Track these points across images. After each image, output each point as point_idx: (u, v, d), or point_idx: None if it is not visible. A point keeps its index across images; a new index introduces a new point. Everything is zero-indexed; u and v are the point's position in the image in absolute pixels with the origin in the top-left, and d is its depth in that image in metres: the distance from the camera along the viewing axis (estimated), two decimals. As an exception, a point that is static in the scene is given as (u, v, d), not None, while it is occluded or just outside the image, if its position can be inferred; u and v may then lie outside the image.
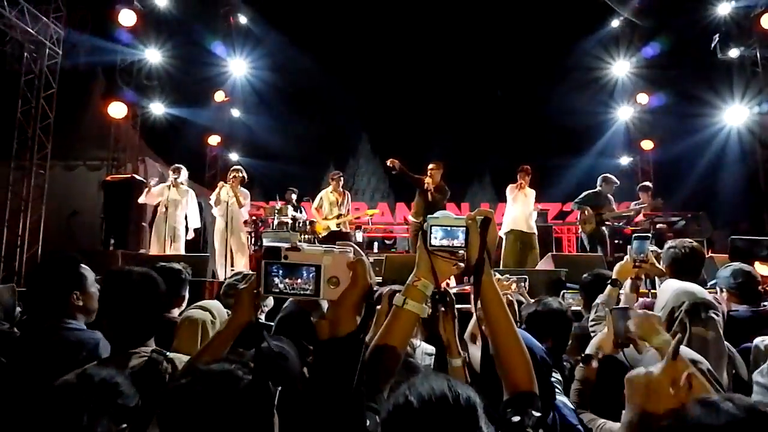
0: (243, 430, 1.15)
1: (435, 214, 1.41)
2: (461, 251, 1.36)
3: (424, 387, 1.03)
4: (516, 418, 1.20)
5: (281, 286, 1.18)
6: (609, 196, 8.07)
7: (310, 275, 1.17)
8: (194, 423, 1.15)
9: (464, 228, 1.35)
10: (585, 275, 3.77)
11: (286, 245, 1.19)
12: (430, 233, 1.36)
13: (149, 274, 2.02)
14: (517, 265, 7.39)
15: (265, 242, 5.57)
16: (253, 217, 9.37)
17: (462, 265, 1.38)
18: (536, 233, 7.86)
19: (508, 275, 3.26)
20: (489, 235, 1.35)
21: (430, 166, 7.91)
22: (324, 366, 1.13)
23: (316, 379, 1.14)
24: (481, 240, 1.34)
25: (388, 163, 7.74)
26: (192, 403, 1.17)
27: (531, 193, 7.89)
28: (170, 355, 1.88)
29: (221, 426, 1.14)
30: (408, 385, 1.06)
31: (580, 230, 8.41)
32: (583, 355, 2.31)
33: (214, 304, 2.70)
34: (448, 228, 1.36)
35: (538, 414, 1.21)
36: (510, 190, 7.87)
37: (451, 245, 1.36)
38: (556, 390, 2.08)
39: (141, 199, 7.87)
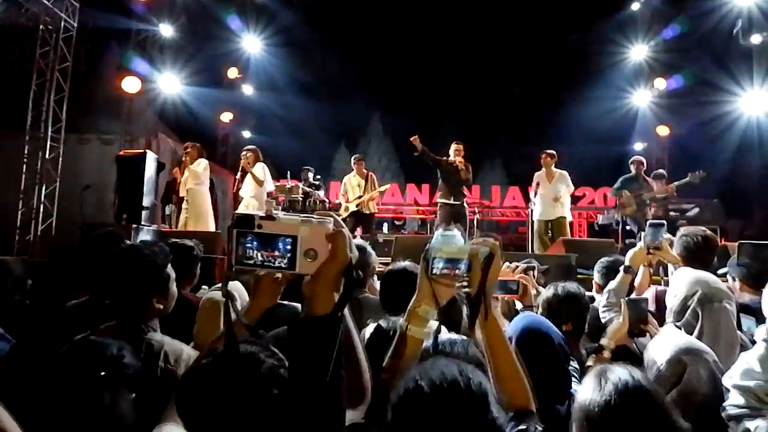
0: (264, 413, 1.11)
1: (436, 242, 1.35)
2: (463, 279, 1.32)
3: (435, 372, 1.01)
4: (522, 427, 1.21)
5: (255, 257, 1.08)
6: (646, 177, 8.03)
7: (286, 247, 1.07)
8: (215, 405, 1.12)
9: (467, 260, 1.30)
10: (603, 259, 3.74)
11: (260, 213, 1.08)
12: (432, 262, 1.32)
13: (142, 251, 1.97)
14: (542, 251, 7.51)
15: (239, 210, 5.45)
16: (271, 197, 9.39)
17: (465, 285, 1.34)
18: (565, 218, 7.93)
19: (507, 263, 3.20)
20: (491, 269, 1.31)
21: (455, 146, 7.99)
22: (299, 348, 1.04)
23: (291, 362, 1.06)
24: (482, 274, 1.30)
25: (411, 140, 7.73)
26: (213, 385, 1.14)
27: (559, 176, 7.96)
28: (150, 335, 1.86)
29: (242, 408, 1.11)
30: (418, 370, 1.03)
31: (599, 215, 8.40)
32: (596, 345, 2.31)
33: (236, 286, 2.70)
34: (450, 259, 1.31)
35: (540, 428, 1.22)
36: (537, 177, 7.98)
37: (452, 273, 1.31)
38: (573, 379, 2.07)
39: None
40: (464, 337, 1.56)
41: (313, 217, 1.09)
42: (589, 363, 2.23)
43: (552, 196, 7.88)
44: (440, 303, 1.34)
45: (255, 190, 7.66)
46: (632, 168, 8.09)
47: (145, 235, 6.67)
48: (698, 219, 8.18)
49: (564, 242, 6.69)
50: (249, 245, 1.08)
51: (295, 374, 1.05)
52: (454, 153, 7.94)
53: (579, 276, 5.01)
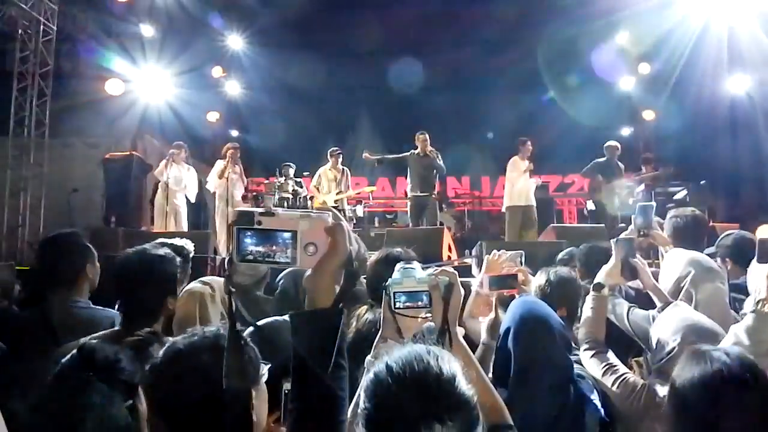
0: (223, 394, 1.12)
1: (396, 278, 1.38)
2: (426, 310, 1.34)
3: (403, 352, 1.01)
4: None
5: (255, 253, 1.09)
6: (619, 163, 8.06)
7: (286, 242, 1.09)
8: (180, 385, 1.17)
9: (427, 292, 1.33)
10: (581, 246, 3.78)
11: (260, 210, 1.11)
12: (393, 297, 1.33)
13: (154, 256, 2.01)
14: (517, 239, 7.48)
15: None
16: (254, 193, 9.35)
17: (429, 317, 1.36)
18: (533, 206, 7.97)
19: (496, 250, 3.18)
20: (453, 299, 1.33)
21: (421, 137, 8.04)
22: (301, 339, 1.06)
23: (293, 355, 1.07)
24: (444, 305, 1.32)
25: (363, 158, 7.87)
26: (176, 367, 1.19)
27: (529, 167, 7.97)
28: (163, 339, 1.86)
29: (204, 387, 1.14)
30: (388, 354, 1.03)
31: (588, 201, 8.44)
32: (594, 282, 2.35)
33: (216, 279, 2.71)
34: (411, 293, 1.33)
35: None
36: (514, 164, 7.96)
37: (415, 306, 1.33)
38: (575, 367, 2.06)
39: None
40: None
41: (311, 212, 1.12)
42: (589, 302, 2.29)
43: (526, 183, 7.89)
44: (405, 336, 1.34)
45: (222, 185, 7.63)
46: (606, 153, 8.10)
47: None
48: (686, 201, 8.22)
49: (554, 229, 6.72)
50: (249, 241, 1.09)
51: (298, 366, 1.06)
52: (422, 144, 7.95)
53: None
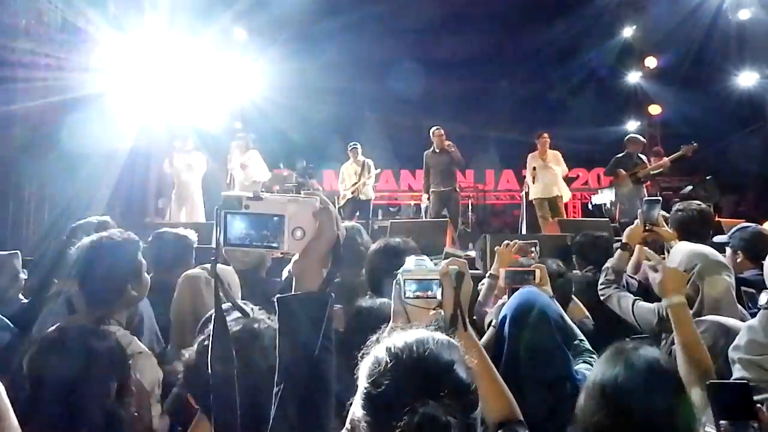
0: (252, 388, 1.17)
1: (408, 266, 1.39)
2: (436, 301, 1.34)
3: (402, 335, 1.02)
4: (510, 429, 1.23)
5: (243, 237, 1.10)
6: (640, 155, 7.99)
7: (274, 226, 1.09)
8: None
9: (438, 281, 1.33)
10: (576, 236, 3.81)
11: (247, 194, 1.10)
12: (404, 286, 1.34)
13: (113, 239, 1.97)
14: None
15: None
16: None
17: (440, 310, 1.36)
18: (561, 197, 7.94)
19: (508, 240, 3.21)
20: (463, 288, 1.33)
21: (436, 131, 8.00)
22: (287, 325, 1.07)
23: (279, 338, 1.08)
24: (454, 294, 1.33)
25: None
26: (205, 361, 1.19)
27: (552, 157, 7.95)
28: (113, 328, 1.85)
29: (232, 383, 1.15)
30: (387, 340, 1.04)
31: (593, 196, 8.39)
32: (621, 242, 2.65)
33: (223, 268, 2.70)
34: (422, 281, 1.34)
35: None
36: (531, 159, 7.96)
37: (425, 296, 1.34)
38: (581, 359, 2.05)
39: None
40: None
41: (299, 197, 1.12)
42: (612, 262, 2.61)
43: (548, 175, 7.87)
44: (416, 326, 1.35)
45: (246, 179, 7.63)
46: (627, 146, 8.05)
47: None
48: (692, 196, 8.17)
49: (559, 222, 6.71)
50: (237, 225, 1.09)
51: (284, 348, 1.06)
52: (437, 140, 7.93)
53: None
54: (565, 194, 8.05)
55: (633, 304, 2.40)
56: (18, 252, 3.37)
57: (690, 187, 8.84)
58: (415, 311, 1.34)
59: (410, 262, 1.41)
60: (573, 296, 2.74)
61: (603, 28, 13.05)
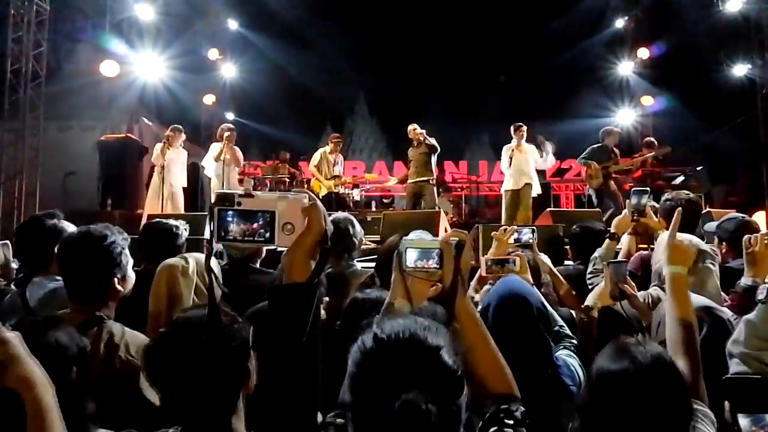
0: (220, 372, 1.20)
1: (409, 236, 1.43)
2: (436, 273, 1.36)
3: (391, 322, 1.02)
4: (503, 406, 1.22)
5: (235, 232, 1.15)
6: (614, 149, 7.99)
7: (265, 222, 1.16)
8: (176, 369, 1.21)
9: (439, 250, 1.35)
10: (573, 227, 3.82)
11: (240, 191, 1.17)
12: (405, 255, 1.36)
13: (94, 235, 1.93)
14: (509, 222, 7.45)
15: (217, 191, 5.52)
16: (251, 177, 9.32)
17: (439, 285, 1.38)
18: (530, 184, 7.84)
19: (506, 226, 3.26)
20: (463, 258, 1.35)
21: (410, 128, 8.01)
22: (276, 313, 1.13)
23: (269, 327, 1.14)
24: (455, 263, 1.34)
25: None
26: (172, 351, 1.24)
27: (528, 149, 7.88)
28: (110, 323, 1.84)
29: (201, 369, 1.19)
30: (375, 326, 1.04)
31: (587, 186, 8.36)
32: (582, 306, 2.34)
33: (195, 255, 2.70)
34: (423, 250, 1.36)
35: (523, 409, 1.23)
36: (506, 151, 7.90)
37: (425, 267, 1.35)
38: (562, 345, 2.07)
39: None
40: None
41: (288, 194, 1.18)
42: (599, 252, 2.51)
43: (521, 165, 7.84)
44: (414, 301, 1.37)
45: (218, 168, 7.57)
46: (602, 138, 8.01)
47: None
48: (683, 186, 8.21)
49: (551, 213, 6.72)
50: (230, 221, 1.15)
51: (274, 336, 1.13)
52: (412, 135, 7.98)
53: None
54: (535, 187, 7.99)
55: None
56: (8, 242, 3.36)
57: (681, 178, 8.87)
58: (415, 282, 1.37)
59: (412, 234, 1.45)
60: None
61: (596, 19, 13.07)
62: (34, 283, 2.29)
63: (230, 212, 1.15)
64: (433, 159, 8.02)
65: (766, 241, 2.18)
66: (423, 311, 1.33)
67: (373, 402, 0.93)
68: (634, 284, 2.46)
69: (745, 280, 2.20)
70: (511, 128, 7.92)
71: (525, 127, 7.89)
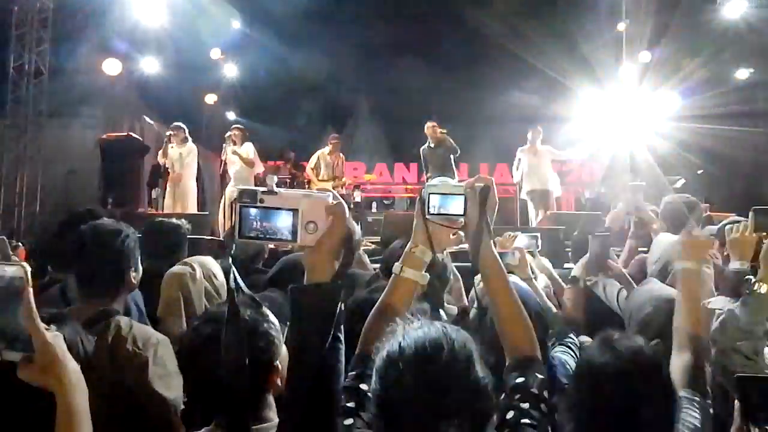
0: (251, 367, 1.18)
1: (433, 182, 1.38)
2: (459, 219, 1.33)
3: (418, 333, 1.01)
4: (520, 379, 1.19)
5: (257, 230, 1.14)
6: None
7: (288, 220, 1.14)
8: (209, 363, 1.20)
9: (462, 196, 1.32)
10: (575, 233, 3.83)
11: (262, 188, 1.15)
12: (428, 201, 1.32)
13: (107, 230, 1.96)
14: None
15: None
16: (273, 173, 9.33)
17: (461, 233, 1.37)
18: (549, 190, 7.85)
19: (510, 232, 3.26)
20: (489, 202, 1.32)
21: (427, 125, 7.90)
22: (300, 314, 1.12)
23: (291, 327, 1.13)
24: (480, 209, 1.31)
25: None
26: (204, 345, 1.25)
27: (544, 149, 7.91)
28: (118, 318, 1.85)
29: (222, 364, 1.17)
30: (402, 331, 1.04)
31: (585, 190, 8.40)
32: (570, 277, 2.42)
33: (198, 259, 2.72)
34: (446, 196, 1.32)
35: (541, 376, 1.22)
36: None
37: (448, 213, 1.33)
38: (558, 349, 2.08)
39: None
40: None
41: (312, 192, 1.17)
42: (567, 294, 2.32)
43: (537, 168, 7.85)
44: (436, 248, 1.34)
45: (242, 170, 7.60)
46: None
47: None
48: (684, 190, 8.22)
49: (553, 216, 6.74)
50: (252, 218, 1.13)
51: (297, 338, 1.11)
52: (430, 133, 7.82)
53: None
54: (555, 189, 8.02)
55: (618, 293, 2.45)
56: (4, 238, 3.36)
57: (682, 181, 8.88)
58: (437, 231, 1.34)
59: (436, 179, 1.41)
60: None
61: (598, 22, 13.05)
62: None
63: (252, 209, 1.13)
64: (452, 160, 7.97)
65: (744, 228, 2.20)
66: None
67: (400, 426, 0.93)
68: (616, 259, 2.50)
69: (732, 265, 2.22)
70: (529, 132, 7.91)
71: (540, 128, 7.91)
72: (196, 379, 1.30)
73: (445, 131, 7.87)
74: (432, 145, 7.90)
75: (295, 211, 1.13)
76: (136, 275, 1.99)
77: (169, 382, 1.71)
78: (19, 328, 1.08)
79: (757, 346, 1.74)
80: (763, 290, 1.73)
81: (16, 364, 1.09)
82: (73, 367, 1.14)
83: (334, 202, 1.15)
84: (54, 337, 1.12)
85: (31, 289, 1.09)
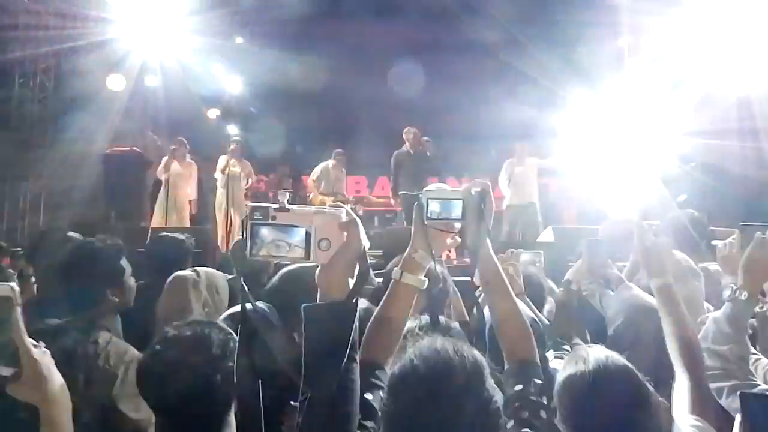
0: (214, 391, 1.19)
1: (430, 187, 1.41)
2: (458, 224, 1.33)
3: (430, 350, 1.01)
4: (519, 387, 1.19)
5: (269, 247, 1.12)
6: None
7: (300, 237, 1.11)
8: (168, 387, 1.21)
9: (461, 200, 1.32)
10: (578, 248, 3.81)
11: (275, 205, 1.13)
12: (427, 206, 1.32)
13: (94, 244, 2.00)
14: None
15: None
16: (287, 190, 9.35)
17: (458, 238, 1.36)
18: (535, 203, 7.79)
19: (512, 249, 3.25)
20: (486, 206, 1.32)
21: (406, 130, 7.72)
22: (313, 333, 1.08)
23: (306, 347, 1.08)
24: (477, 213, 1.31)
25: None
26: (164, 368, 1.23)
27: (531, 162, 7.89)
28: (103, 335, 1.87)
29: (193, 387, 1.19)
30: (414, 349, 1.04)
31: None
32: (562, 280, 2.44)
33: (207, 270, 2.72)
34: (445, 200, 1.32)
35: (540, 381, 1.22)
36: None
37: (447, 218, 1.33)
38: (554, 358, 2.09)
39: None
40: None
41: (325, 209, 1.15)
42: (560, 296, 2.35)
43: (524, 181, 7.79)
44: (434, 253, 1.34)
45: (223, 181, 7.62)
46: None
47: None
48: (686, 206, 8.23)
49: (554, 230, 6.74)
50: (264, 236, 1.11)
51: (311, 357, 1.07)
52: (411, 139, 7.59)
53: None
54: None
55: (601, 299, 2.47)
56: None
57: (685, 197, 8.89)
58: (436, 236, 1.34)
59: (433, 185, 1.41)
60: None
61: (596, 36, 13.12)
62: None
63: (264, 226, 1.11)
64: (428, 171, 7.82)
65: (732, 245, 2.21)
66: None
67: None
68: (612, 265, 2.52)
69: (724, 281, 2.23)
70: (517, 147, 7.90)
71: (527, 144, 7.91)
72: (156, 406, 1.29)
73: (428, 139, 7.75)
74: (411, 152, 7.70)
75: (307, 228, 1.11)
76: (120, 295, 2.01)
77: (138, 402, 1.68)
78: (9, 344, 1.10)
79: (742, 351, 1.77)
80: (743, 297, 1.77)
81: (5, 378, 1.11)
82: (58, 382, 1.16)
83: (348, 219, 1.14)
84: (41, 354, 1.15)
85: (19, 308, 1.11)
